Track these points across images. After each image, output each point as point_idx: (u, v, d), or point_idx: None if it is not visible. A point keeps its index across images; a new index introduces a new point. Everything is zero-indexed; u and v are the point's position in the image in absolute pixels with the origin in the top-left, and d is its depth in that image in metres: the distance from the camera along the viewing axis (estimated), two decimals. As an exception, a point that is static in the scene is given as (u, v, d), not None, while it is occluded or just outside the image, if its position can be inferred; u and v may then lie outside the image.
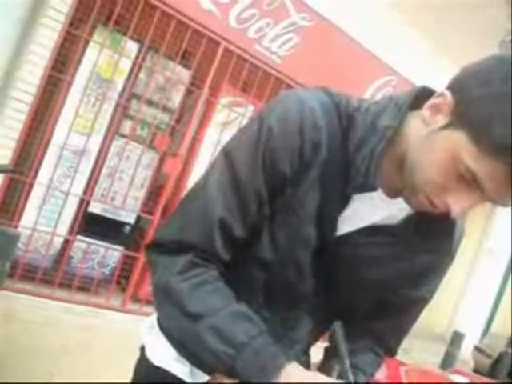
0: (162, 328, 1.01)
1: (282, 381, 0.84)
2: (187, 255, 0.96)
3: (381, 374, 3.20)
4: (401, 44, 5.63)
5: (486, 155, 0.80)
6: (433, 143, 0.87)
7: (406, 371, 4.08)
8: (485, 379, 5.64)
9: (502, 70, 0.82)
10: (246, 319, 0.92)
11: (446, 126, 0.86)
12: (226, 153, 0.99)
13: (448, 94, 0.87)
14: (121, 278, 4.84)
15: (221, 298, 0.94)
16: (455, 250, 1.11)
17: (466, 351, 7.82)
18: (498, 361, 7.31)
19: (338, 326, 0.90)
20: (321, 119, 0.95)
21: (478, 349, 7.81)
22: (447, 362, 6.89)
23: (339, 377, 0.91)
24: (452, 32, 5.51)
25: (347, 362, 0.88)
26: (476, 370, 7.51)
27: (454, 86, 0.88)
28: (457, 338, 7.02)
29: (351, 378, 0.87)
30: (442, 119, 0.87)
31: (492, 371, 7.23)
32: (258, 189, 0.95)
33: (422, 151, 0.89)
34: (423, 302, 1.15)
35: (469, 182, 0.84)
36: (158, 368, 1.10)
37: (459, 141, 0.83)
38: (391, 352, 1.21)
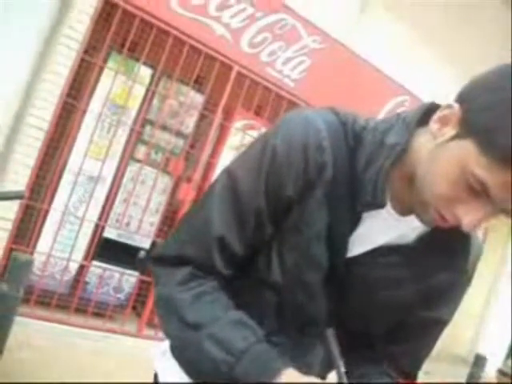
0: (170, 345, 1.00)
1: None
2: (187, 267, 0.98)
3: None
4: (414, 63, 5.62)
5: (495, 164, 0.78)
6: (441, 155, 0.86)
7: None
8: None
9: (508, 77, 0.81)
10: (244, 326, 0.93)
11: (454, 137, 0.85)
12: (229, 172, 0.99)
13: (455, 105, 0.86)
14: (136, 303, 4.82)
15: (220, 307, 0.96)
16: (472, 268, 1.07)
17: (489, 374, 7.65)
18: (522, 384, 7.13)
19: (329, 333, 0.90)
20: (326, 140, 0.94)
21: (501, 372, 7.64)
22: (471, 385, 6.73)
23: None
24: (467, 51, 5.50)
25: (341, 366, 0.88)
26: (501, 394, 7.34)
27: (461, 97, 0.87)
28: (479, 361, 6.87)
29: (345, 380, 0.87)
30: (449, 130, 0.86)
31: (516, 395, 7.05)
32: (259, 207, 0.95)
33: (431, 164, 0.87)
34: (441, 324, 1.12)
35: (479, 192, 0.82)
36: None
37: (468, 151, 0.81)
38: (410, 377, 1.17)
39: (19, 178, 3.92)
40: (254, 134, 5.03)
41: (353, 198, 0.94)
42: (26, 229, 4.23)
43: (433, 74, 5.74)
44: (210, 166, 4.98)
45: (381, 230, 0.97)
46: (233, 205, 0.96)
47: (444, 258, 1.01)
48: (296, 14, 4.89)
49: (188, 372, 1.02)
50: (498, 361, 8.60)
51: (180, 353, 1.00)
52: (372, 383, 1.07)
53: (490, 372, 7.57)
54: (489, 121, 0.79)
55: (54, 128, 4.12)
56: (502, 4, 5.51)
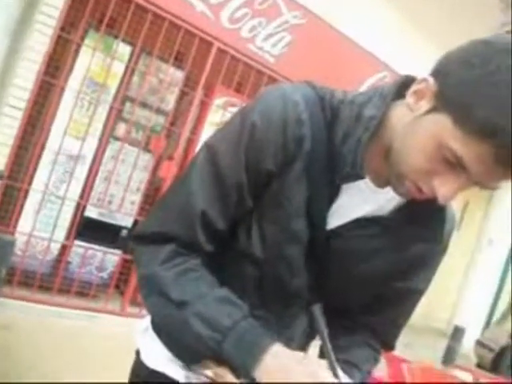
0: (152, 322, 1.01)
1: (269, 361, 0.86)
2: (170, 245, 0.98)
3: (383, 372, 3.19)
4: (395, 39, 5.62)
5: (470, 138, 0.79)
6: (417, 128, 0.87)
7: (408, 368, 4.06)
8: (488, 374, 5.62)
9: (484, 51, 0.81)
10: (229, 303, 0.94)
11: (430, 111, 0.86)
12: (209, 147, 1.00)
13: (430, 78, 0.87)
14: (119, 281, 4.83)
15: (205, 284, 0.96)
16: (447, 239, 1.10)
17: (467, 345, 7.81)
18: (499, 355, 7.30)
19: (316, 308, 0.92)
20: (304, 113, 0.95)
21: (479, 343, 7.80)
22: (449, 356, 6.89)
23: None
24: (449, 26, 5.50)
25: (328, 343, 0.90)
26: (478, 365, 7.50)
27: (436, 71, 0.88)
28: (458, 333, 7.02)
29: (333, 358, 0.89)
30: (425, 104, 0.87)
31: (494, 365, 7.22)
32: (240, 182, 0.96)
33: (407, 137, 0.89)
34: (417, 293, 1.15)
35: (454, 165, 0.83)
36: (153, 371, 1.10)
37: (443, 124, 0.82)
38: (389, 346, 1.21)
39: (-2, 157, 3.88)
40: (235, 110, 5.00)
41: (331, 170, 0.96)
42: (6, 209, 4.20)
43: (414, 49, 5.75)
44: (191, 143, 4.96)
45: (359, 201, 0.99)
46: (214, 180, 0.96)
47: (420, 228, 1.04)
48: (276, -12, 4.85)
49: (172, 349, 1.03)
50: (477, 332, 8.78)
51: (165, 331, 1.01)
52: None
53: (468, 343, 7.74)
54: (464, 95, 0.80)
55: (33, 107, 4.07)
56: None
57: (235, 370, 0.90)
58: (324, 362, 0.89)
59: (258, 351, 0.88)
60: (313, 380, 0.84)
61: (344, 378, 0.97)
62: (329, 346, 0.90)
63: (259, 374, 0.87)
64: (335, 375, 0.87)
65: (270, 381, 0.86)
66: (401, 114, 0.92)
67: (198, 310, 0.92)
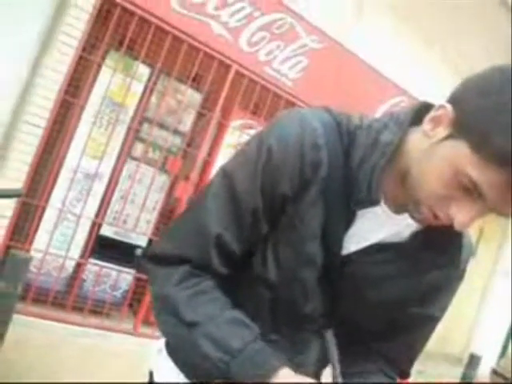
0: (166, 343, 1.01)
1: (278, 382, 0.86)
2: (185, 266, 0.99)
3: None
4: (412, 64, 5.63)
5: (487, 165, 0.80)
6: (434, 155, 0.88)
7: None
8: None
9: (501, 79, 0.82)
10: (240, 325, 0.94)
11: (447, 138, 0.86)
12: (225, 171, 1.01)
13: (448, 105, 0.88)
14: (133, 301, 4.83)
15: (217, 306, 0.97)
16: (464, 266, 1.10)
17: (483, 374, 7.67)
18: (515, 384, 7.17)
19: (328, 335, 0.92)
20: (321, 138, 0.95)
21: (495, 371, 7.67)
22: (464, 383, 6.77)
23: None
24: (469, 53, 5.50)
25: (338, 367, 0.89)
26: (493, 393, 7.38)
27: (453, 98, 0.89)
28: (473, 361, 6.90)
29: (340, 379, 0.89)
30: (442, 131, 0.88)
31: (510, 394, 7.08)
32: (256, 207, 0.96)
33: (424, 164, 0.89)
34: (433, 321, 1.14)
35: (471, 192, 0.84)
36: (166, 393, 1.09)
37: (460, 151, 0.83)
38: (404, 374, 1.19)
39: (17, 175, 3.92)
40: (252, 132, 5.04)
41: (347, 195, 0.96)
42: (23, 226, 4.23)
43: (431, 74, 5.75)
44: (207, 164, 4.99)
45: (375, 227, 0.99)
46: (230, 204, 0.97)
47: (437, 255, 1.03)
48: (295, 13, 4.90)
49: (184, 371, 1.03)
50: (492, 360, 8.63)
51: (176, 351, 1.01)
52: (368, 383, 1.08)
53: (483, 371, 7.60)
54: (481, 122, 0.81)
55: (52, 125, 4.11)
56: (500, 5, 5.52)
57: None
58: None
59: (268, 372, 0.88)
60: None
61: None
62: (337, 367, 0.89)
63: None
64: None
65: None
66: (417, 141, 0.92)
67: (208, 331, 0.92)
